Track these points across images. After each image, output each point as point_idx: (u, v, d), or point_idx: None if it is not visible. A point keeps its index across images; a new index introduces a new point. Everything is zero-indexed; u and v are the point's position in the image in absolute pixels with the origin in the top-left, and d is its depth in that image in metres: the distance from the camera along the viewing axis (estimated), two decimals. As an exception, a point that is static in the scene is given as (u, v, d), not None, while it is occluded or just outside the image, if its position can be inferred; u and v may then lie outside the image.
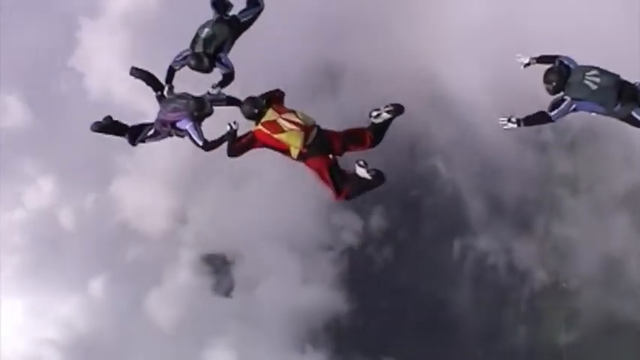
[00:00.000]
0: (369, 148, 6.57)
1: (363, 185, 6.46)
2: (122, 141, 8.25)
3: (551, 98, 6.48)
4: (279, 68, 18.76)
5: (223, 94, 7.77)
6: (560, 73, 6.36)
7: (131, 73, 8.13)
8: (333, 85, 23.34)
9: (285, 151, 6.52)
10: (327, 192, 6.59)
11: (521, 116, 6.51)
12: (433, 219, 23.55)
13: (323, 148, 6.41)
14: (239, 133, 7.01)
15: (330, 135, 6.52)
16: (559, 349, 22.98)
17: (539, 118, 6.44)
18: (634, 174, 22.30)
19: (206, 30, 7.77)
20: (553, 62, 6.61)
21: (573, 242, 22.99)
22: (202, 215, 23.44)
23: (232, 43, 7.89)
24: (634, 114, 6.22)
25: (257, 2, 8.12)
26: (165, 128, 7.59)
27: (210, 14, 8.01)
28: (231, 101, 7.74)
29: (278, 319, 22.89)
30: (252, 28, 8.23)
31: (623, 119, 6.33)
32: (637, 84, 6.28)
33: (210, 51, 7.67)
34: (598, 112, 6.34)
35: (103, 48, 21.67)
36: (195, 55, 7.69)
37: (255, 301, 23.01)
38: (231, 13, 8.09)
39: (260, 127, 6.61)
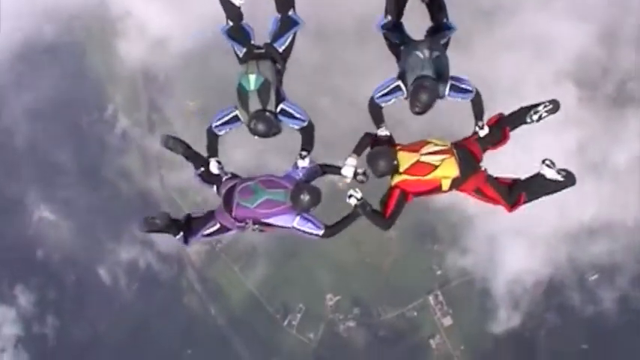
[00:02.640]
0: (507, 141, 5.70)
1: (548, 188, 5.59)
2: None
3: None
4: None
5: (315, 163, 5.72)
6: (430, 90, 5.34)
7: (165, 144, 5.84)
8: None
9: (435, 188, 5.51)
10: (496, 207, 5.66)
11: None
12: (66, 262, 21.39)
13: (472, 163, 5.51)
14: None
15: (467, 145, 5.60)
16: (255, 296, 21.16)
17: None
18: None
19: (252, 77, 5.45)
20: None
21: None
22: None
23: (282, 82, 5.70)
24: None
25: (295, 20, 5.72)
26: (242, 224, 5.53)
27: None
28: (329, 170, 5.80)
29: None
30: None
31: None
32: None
33: (272, 106, 5.44)
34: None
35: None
36: (261, 118, 5.36)
37: None
38: (259, 42, 5.76)
39: (404, 177, 5.45)
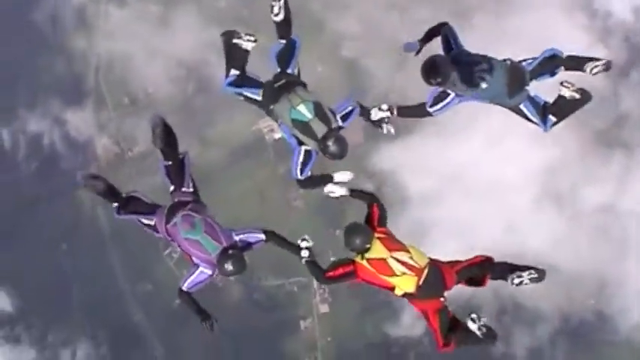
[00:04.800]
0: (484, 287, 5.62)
1: (471, 340, 5.42)
2: None
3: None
4: None
5: (259, 235, 5.72)
6: (443, 71, 5.16)
7: (153, 127, 5.49)
8: None
9: (388, 288, 5.44)
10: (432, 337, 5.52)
11: (395, 105, 5.70)
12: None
13: (434, 290, 5.36)
14: None
15: (444, 272, 5.39)
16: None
17: (417, 111, 5.64)
18: None
19: (302, 107, 5.28)
20: (438, 34, 5.59)
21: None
22: None
23: None
24: (522, 107, 5.57)
25: (295, 40, 5.63)
26: (168, 238, 5.52)
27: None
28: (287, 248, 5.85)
29: None
30: None
31: (511, 109, 5.63)
32: (526, 63, 5.57)
33: (334, 122, 5.37)
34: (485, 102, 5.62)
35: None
36: (333, 137, 5.24)
37: None
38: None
39: (365, 263, 5.35)
